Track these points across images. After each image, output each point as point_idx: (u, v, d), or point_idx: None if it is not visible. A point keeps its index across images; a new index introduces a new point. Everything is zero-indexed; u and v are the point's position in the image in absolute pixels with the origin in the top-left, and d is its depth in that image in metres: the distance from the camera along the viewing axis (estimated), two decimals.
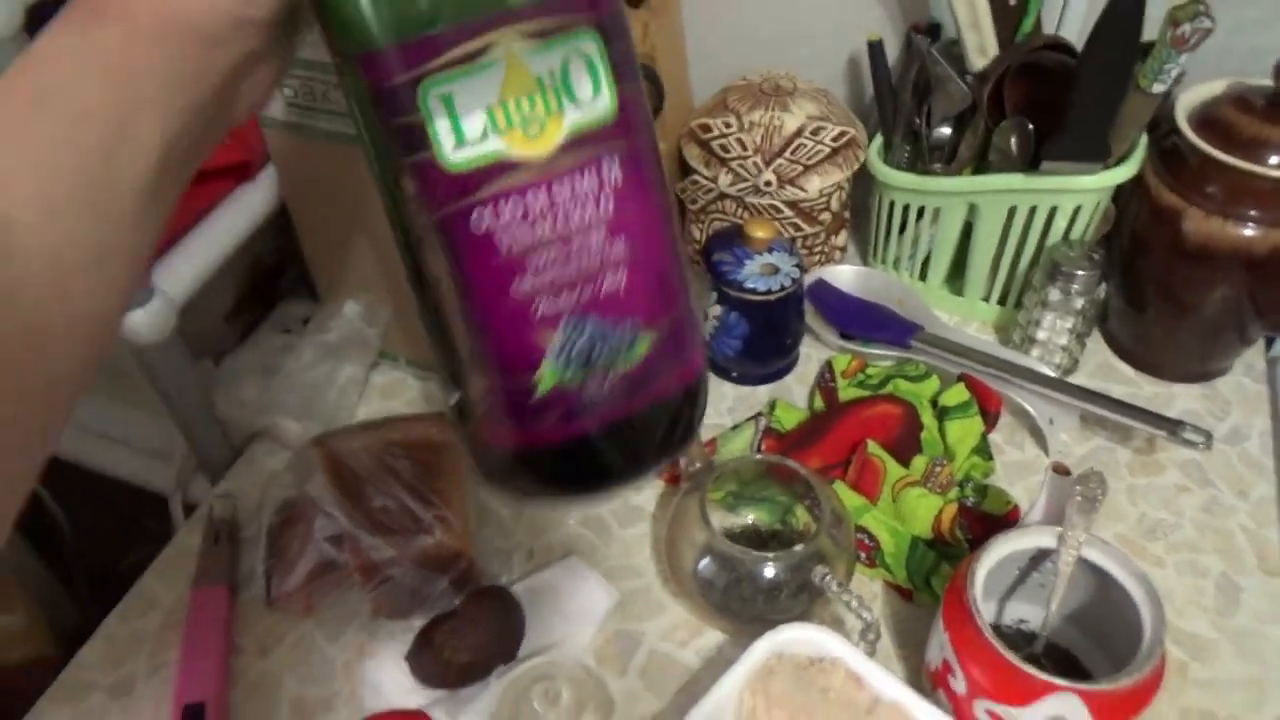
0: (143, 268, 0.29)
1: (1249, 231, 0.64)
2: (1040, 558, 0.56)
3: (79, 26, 0.26)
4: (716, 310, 0.72)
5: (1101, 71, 0.61)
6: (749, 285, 0.69)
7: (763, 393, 0.75)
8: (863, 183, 0.80)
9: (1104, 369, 0.77)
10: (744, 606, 0.59)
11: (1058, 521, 0.53)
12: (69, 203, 0.25)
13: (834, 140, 0.74)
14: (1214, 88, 0.67)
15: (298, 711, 0.58)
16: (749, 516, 0.65)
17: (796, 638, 0.54)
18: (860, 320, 0.78)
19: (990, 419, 0.69)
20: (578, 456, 0.33)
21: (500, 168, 0.28)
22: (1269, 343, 0.79)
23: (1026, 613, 0.59)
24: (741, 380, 0.76)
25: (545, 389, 0.30)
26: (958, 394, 0.68)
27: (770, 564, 0.57)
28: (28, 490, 0.27)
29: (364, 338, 0.69)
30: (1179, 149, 0.67)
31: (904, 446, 0.65)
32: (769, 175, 0.74)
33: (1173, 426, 0.65)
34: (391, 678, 0.58)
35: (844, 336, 0.78)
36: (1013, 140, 0.69)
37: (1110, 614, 0.53)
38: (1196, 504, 0.67)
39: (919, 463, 0.64)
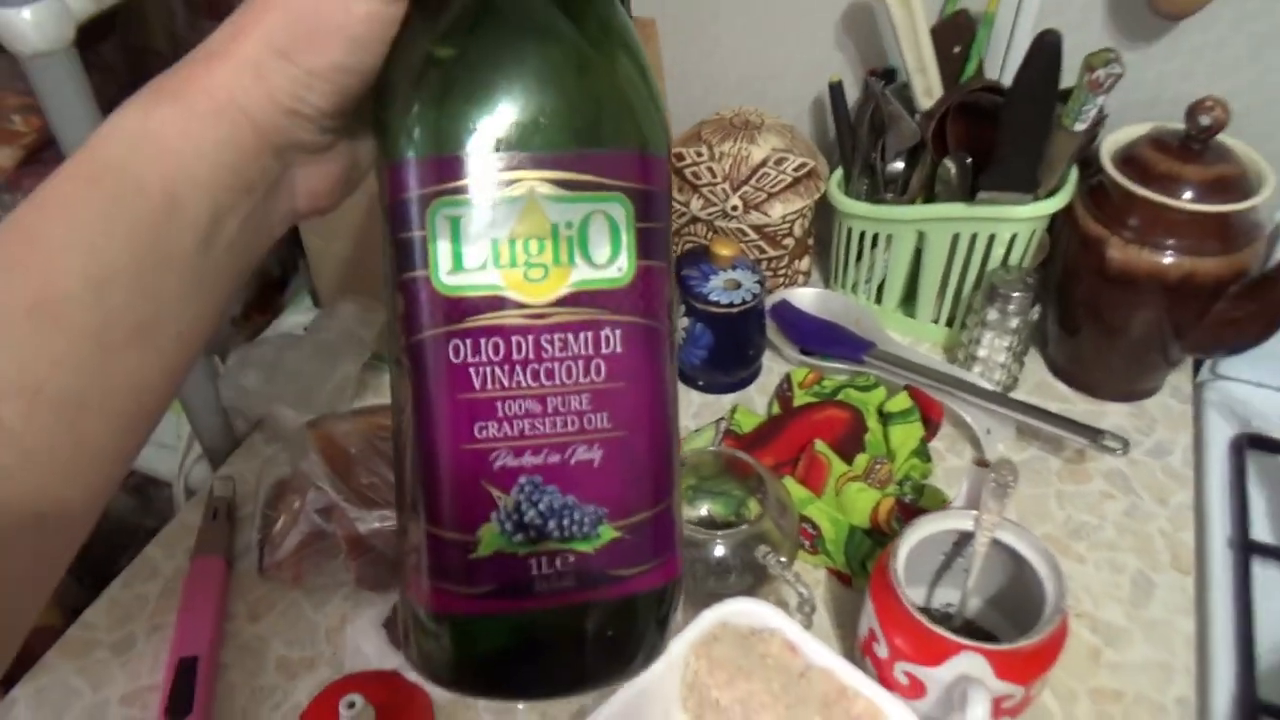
0: (192, 350, 0.29)
1: (1164, 259, 0.71)
2: (963, 543, 0.62)
3: (142, 109, 0.27)
4: (684, 321, 0.79)
5: (1026, 111, 0.68)
6: (713, 298, 0.76)
7: (726, 401, 0.82)
8: (825, 213, 0.87)
9: (1042, 387, 0.83)
10: (696, 585, 0.64)
11: (977, 508, 0.59)
12: (118, 276, 0.26)
13: (795, 170, 0.81)
14: (1136, 130, 0.75)
15: (283, 670, 0.63)
16: (705, 508, 0.71)
17: (740, 610, 0.60)
18: (819, 337, 0.84)
19: (932, 427, 0.76)
20: (512, 640, 0.28)
21: (491, 302, 0.27)
22: (1196, 369, 0.85)
23: (952, 597, 0.65)
24: (707, 389, 0.82)
25: (485, 551, 0.27)
26: (901, 401, 0.74)
27: (719, 543, 0.63)
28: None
29: (359, 338, 0.76)
30: (1104, 184, 0.74)
31: (849, 446, 0.71)
32: (736, 200, 0.81)
33: (1093, 434, 0.71)
34: (370, 642, 0.64)
35: (804, 352, 0.84)
36: (954, 173, 0.76)
37: (1025, 596, 0.59)
38: (1119, 509, 0.73)
39: (861, 460, 0.70)
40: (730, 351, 0.80)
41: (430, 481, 0.28)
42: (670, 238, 0.30)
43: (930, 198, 0.80)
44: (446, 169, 0.26)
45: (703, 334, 0.78)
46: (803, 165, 0.82)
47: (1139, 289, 0.72)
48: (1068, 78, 0.68)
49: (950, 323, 0.85)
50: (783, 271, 0.88)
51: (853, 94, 0.86)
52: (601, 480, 0.28)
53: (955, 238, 0.79)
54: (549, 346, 0.27)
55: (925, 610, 0.63)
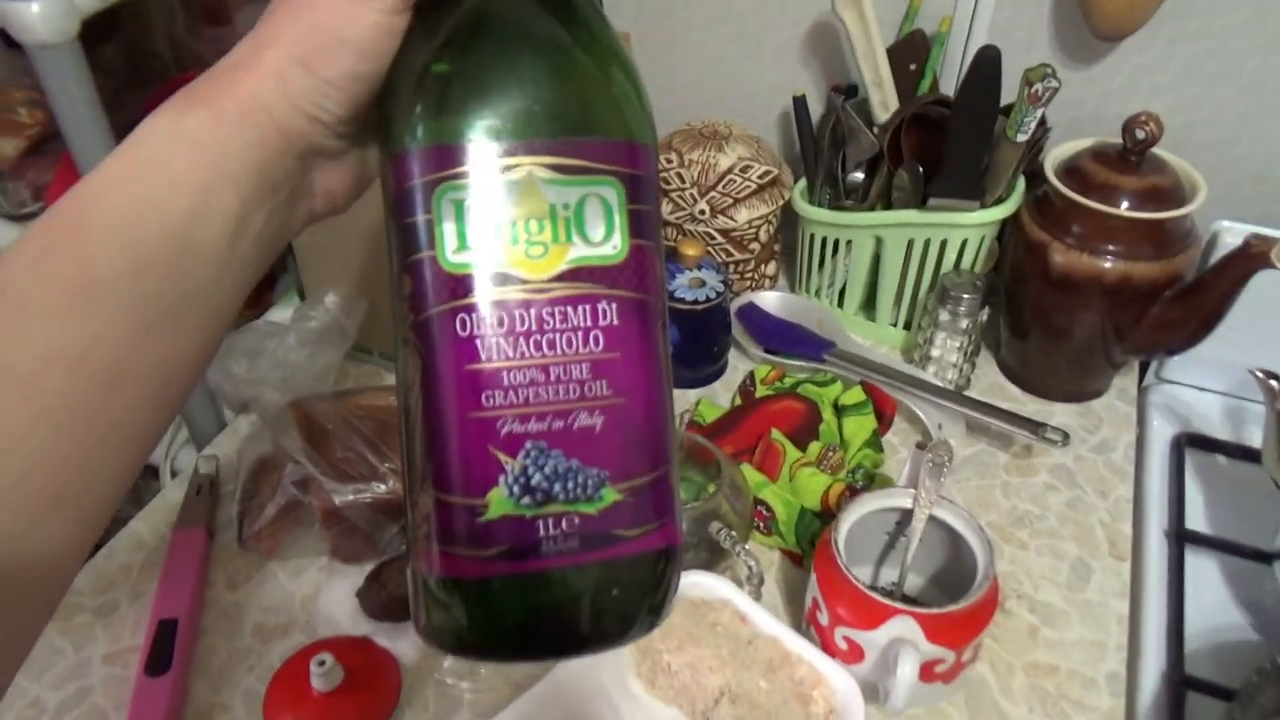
0: (218, 335, 0.31)
1: (1103, 263, 0.75)
2: (905, 524, 0.65)
3: (175, 113, 0.29)
4: None
5: (969, 121, 0.73)
6: (679, 295, 0.80)
7: (692, 395, 0.85)
8: (791, 221, 0.92)
9: (994, 389, 0.87)
10: None
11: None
12: (153, 262, 0.28)
13: (760, 178, 0.86)
14: (1078, 144, 0.79)
15: (258, 634, 0.66)
16: None
17: (694, 582, 0.63)
18: (782, 337, 0.88)
19: (885, 421, 0.79)
20: (521, 601, 0.30)
21: (495, 278, 0.29)
22: (1142, 375, 0.89)
23: (895, 577, 0.68)
24: (674, 384, 0.86)
25: (494, 514, 0.29)
26: (855, 395, 0.78)
27: None
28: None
29: (341, 327, 0.79)
30: (1048, 194, 0.78)
31: (804, 435, 0.75)
32: (703, 205, 0.86)
33: (1035, 427, 0.75)
34: (343, 609, 0.67)
35: (768, 351, 0.88)
36: (908, 181, 0.80)
37: (961, 571, 0.62)
38: (1062, 501, 0.77)
39: (814, 448, 0.74)
40: (696, 347, 0.83)
41: (440, 450, 0.29)
42: (660, 221, 0.32)
43: (888, 205, 0.85)
44: (450, 156, 0.29)
45: (669, 330, 0.82)
46: (767, 173, 0.86)
47: (1080, 292, 0.77)
48: (1012, 94, 0.73)
49: (908, 326, 0.89)
50: (749, 275, 0.92)
51: (817, 109, 0.91)
52: (603, 445, 0.29)
53: (910, 243, 0.83)
54: (550, 319, 0.29)
55: (871, 588, 0.66)
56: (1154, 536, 0.75)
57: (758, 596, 0.64)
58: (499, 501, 0.29)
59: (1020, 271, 0.81)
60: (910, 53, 0.83)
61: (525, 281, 0.29)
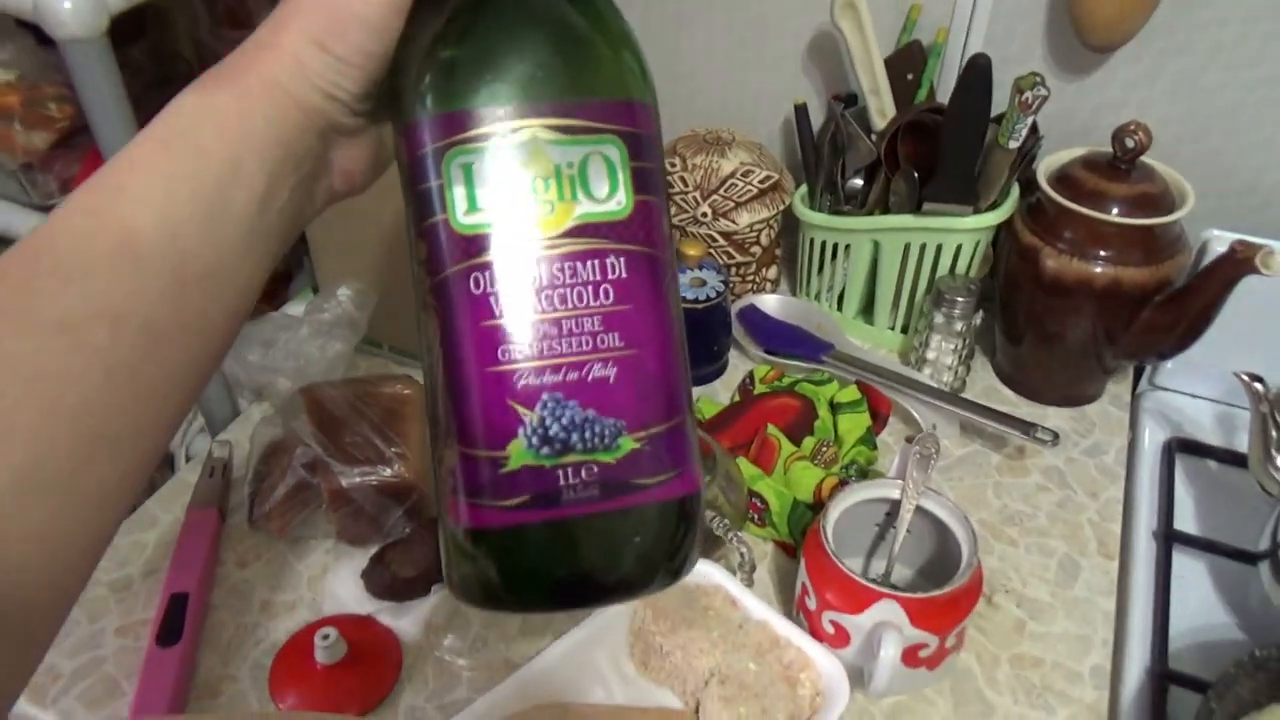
0: (248, 301, 0.33)
1: (1094, 268, 0.77)
2: (894, 514, 0.67)
3: (204, 90, 0.32)
4: None
5: (961, 128, 0.75)
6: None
7: (693, 393, 0.87)
8: (792, 227, 0.94)
9: (989, 392, 0.89)
10: None
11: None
12: (187, 224, 0.30)
13: (761, 183, 0.88)
14: (1070, 153, 0.81)
15: (266, 611, 0.68)
16: None
17: None
18: (781, 338, 0.90)
19: (880, 420, 0.81)
20: (545, 550, 0.31)
21: (506, 237, 0.30)
22: (1136, 381, 0.91)
23: (884, 569, 0.70)
24: None
25: (515, 465, 0.30)
26: (850, 393, 0.80)
27: None
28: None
29: (353, 319, 0.82)
30: (1041, 201, 0.80)
31: (799, 431, 0.77)
32: (705, 208, 0.88)
33: (1026, 428, 0.76)
34: (348, 589, 0.69)
35: (768, 352, 0.90)
36: (904, 187, 0.82)
37: (947, 561, 0.64)
38: (1053, 500, 0.78)
39: (809, 443, 0.76)
40: (697, 346, 0.86)
41: (461, 406, 0.30)
42: (663, 179, 0.33)
43: (886, 211, 0.87)
44: (458, 123, 0.30)
45: None
46: (768, 178, 0.89)
47: (1071, 296, 0.78)
48: (1005, 104, 0.75)
49: (905, 330, 0.91)
50: (751, 278, 0.94)
51: (818, 117, 0.93)
52: (618, 395, 0.30)
53: (906, 248, 0.85)
54: (560, 274, 0.30)
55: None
56: (1142, 537, 0.76)
57: (749, 583, 0.66)
58: (519, 453, 0.30)
59: (1013, 276, 0.83)
60: (908, 63, 0.86)
61: (534, 239, 0.30)
